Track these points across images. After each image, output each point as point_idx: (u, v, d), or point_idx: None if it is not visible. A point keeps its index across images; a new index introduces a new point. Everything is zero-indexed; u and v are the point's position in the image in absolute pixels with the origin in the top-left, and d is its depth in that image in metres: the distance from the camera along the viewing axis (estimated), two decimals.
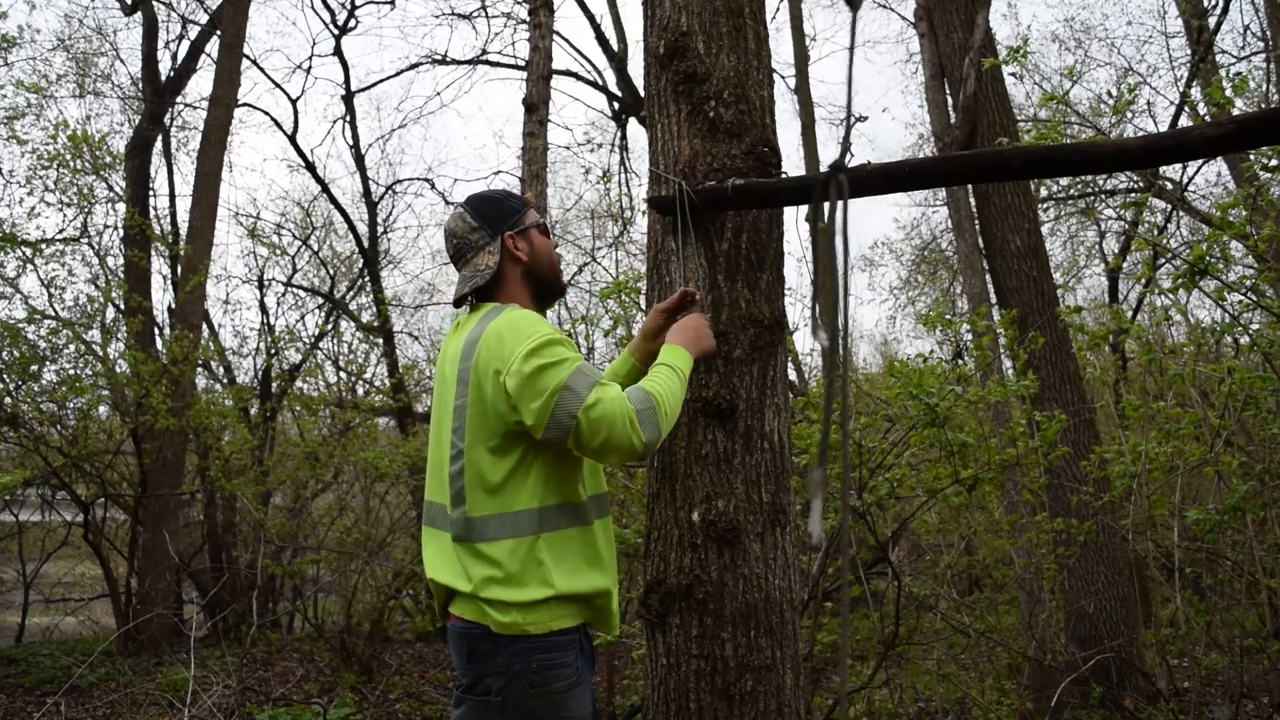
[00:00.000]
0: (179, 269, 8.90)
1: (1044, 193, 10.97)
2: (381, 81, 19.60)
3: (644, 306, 3.15)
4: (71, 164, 8.35)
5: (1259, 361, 4.40)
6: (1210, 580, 4.96)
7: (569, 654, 1.90)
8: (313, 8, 19.13)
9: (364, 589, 6.88)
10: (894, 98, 39.43)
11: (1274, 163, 3.72)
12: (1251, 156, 3.98)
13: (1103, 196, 11.01)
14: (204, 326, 9.77)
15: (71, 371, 7.55)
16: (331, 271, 12.65)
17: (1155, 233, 8.45)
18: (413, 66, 12.75)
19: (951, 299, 13.40)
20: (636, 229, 11.97)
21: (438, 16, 25.02)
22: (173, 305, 9.19)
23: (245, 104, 11.62)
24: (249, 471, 7.95)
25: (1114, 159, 1.90)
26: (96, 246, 9.57)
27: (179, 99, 11.39)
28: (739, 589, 2.13)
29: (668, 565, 2.18)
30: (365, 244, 11.91)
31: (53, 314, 7.84)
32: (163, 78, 10.67)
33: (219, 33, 9.65)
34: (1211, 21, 10.11)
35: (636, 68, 12.04)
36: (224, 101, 8.88)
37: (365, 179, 12.28)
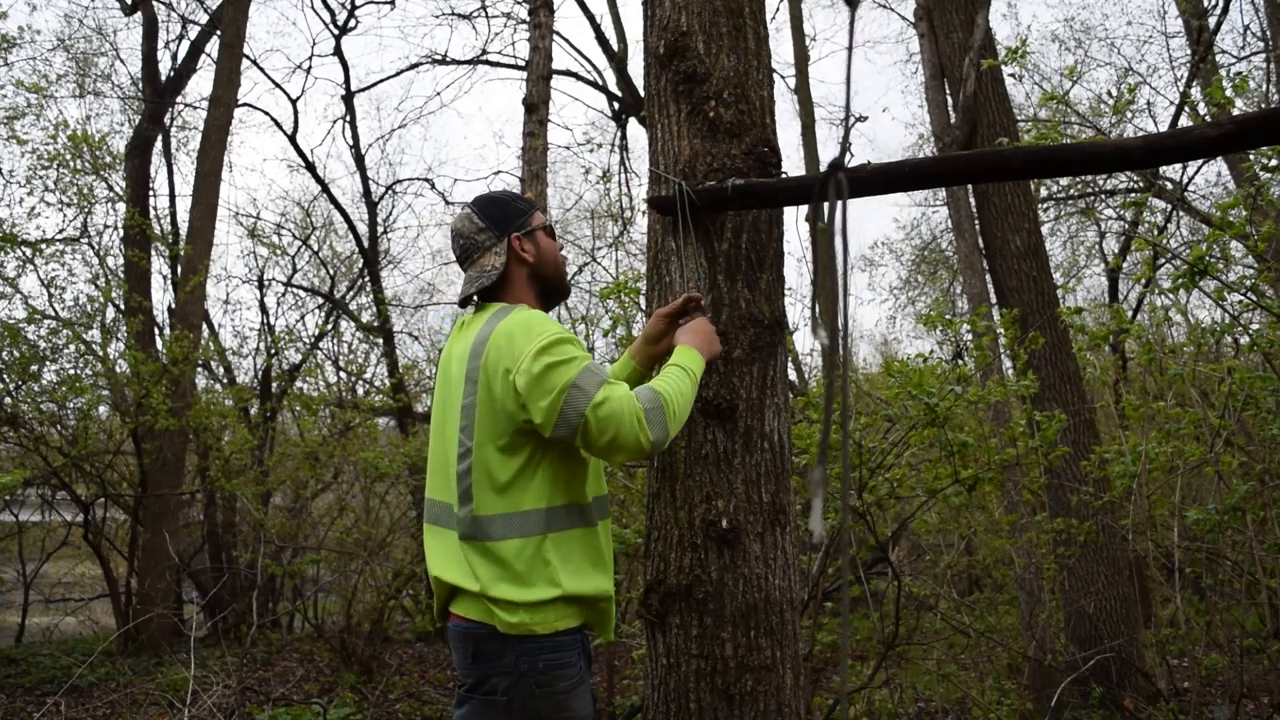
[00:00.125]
0: (179, 269, 8.90)
1: (1044, 193, 10.97)
2: (381, 81, 19.63)
3: (644, 306, 3.15)
4: (71, 164, 8.35)
5: (1259, 361, 4.40)
6: (1210, 580, 4.96)
7: (572, 654, 1.91)
8: (313, 8, 19.15)
9: (364, 589, 6.88)
10: (894, 98, 39.48)
11: (1274, 163, 3.72)
12: (1251, 156, 3.98)
13: (1103, 196, 11.01)
14: (204, 326, 9.78)
15: (71, 371, 7.55)
16: (331, 271, 12.66)
17: (1155, 233, 8.46)
18: (413, 66, 12.76)
19: (951, 299, 13.40)
20: (636, 229, 11.98)
21: (438, 16, 25.05)
22: (173, 305, 9.20)
23: (245, 104, 11.64)
24: (249, 471, 7.95)
25: (1114, 159, 1.90)
26: (96, 246, 9.58)
27: (179, 99, 11.41)
28: (739, 589, 2.13)
29: (668, 565, 2.18)
30: (365, 244, 11.91)
31: (53, 314, 7.84)
32: (163, 78, 10.67)
33: (219, 33, 9.65)
34: (1211, 21, 10.11)
35: (636, 68, 12.05)
36: (224, 101, 8.88)
37: (365, 179, 12.29)
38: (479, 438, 1.91)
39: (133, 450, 7.77)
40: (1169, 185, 10.04)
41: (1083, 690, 4.72)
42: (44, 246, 8.14)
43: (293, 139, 12.02)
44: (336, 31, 12.27)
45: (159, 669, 6.55)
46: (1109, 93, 11.91)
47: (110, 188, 9.64)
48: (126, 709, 5.47)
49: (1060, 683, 4.24)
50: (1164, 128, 10.48)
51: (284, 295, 12.35)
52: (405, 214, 42.84)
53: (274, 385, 9.81)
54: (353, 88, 12.36)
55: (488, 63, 12.58)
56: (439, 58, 12.53)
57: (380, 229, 12.45)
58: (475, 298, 2.12)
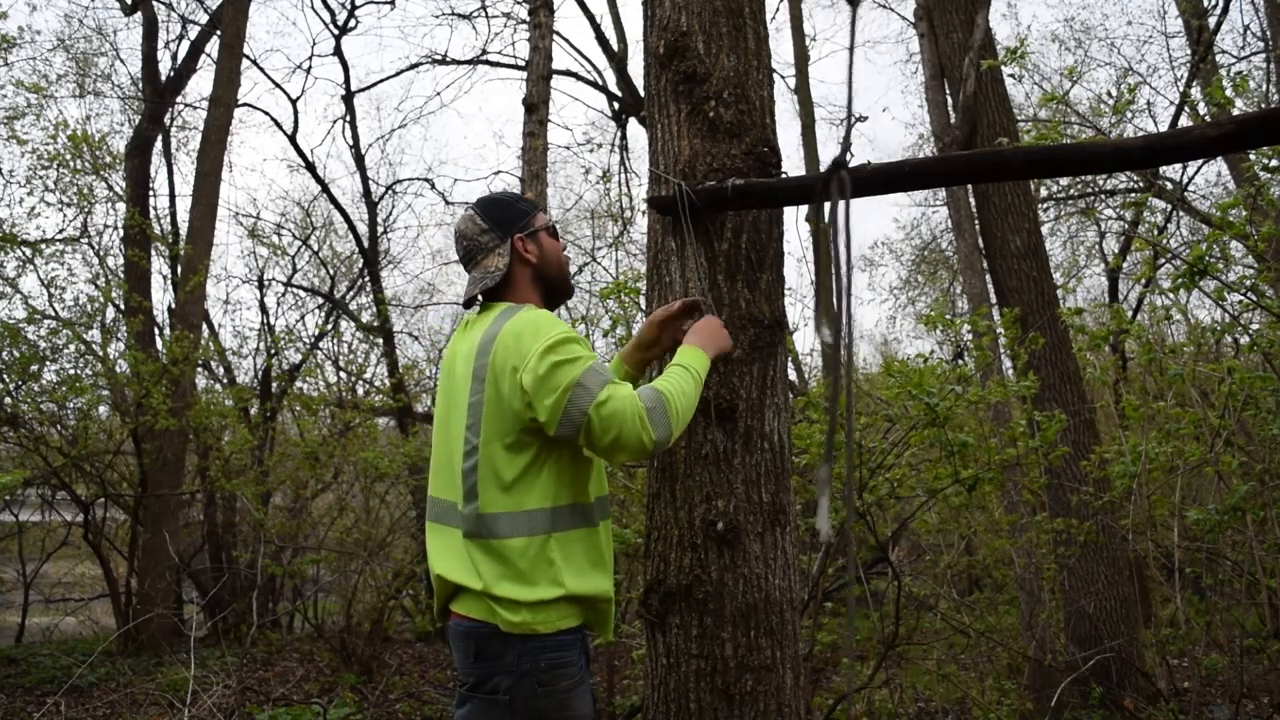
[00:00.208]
0: (179, 269, 8.90)
1: (1044, 193, 10.97)
2: (381, 81, 19.63)
3: (644, 306, 3.15)
4: (71, 164, 8.35)
5: (1259, 361, 4.40)
6: (1210, 580, 4.96)
7: (574, 653, 1.92)
8: (313, 8, 19.15)
9: (364, 589, 6.88)
10: (894, 98, 39.50)
11: (1274, 163, 3.72)
12: (1251, 156, 3.98)
13: (1103, 196, 11.01)
14: (204, 326, 9.77)
15: (71, 371, 7.55)
16: (331, 271, 12.65)
17: (1155, 233, 8.46)
18: (413, 66, 12.76)
19: (951, 299, 13.40)
20: (636, 229, 11.98)
21: (438, 16, 25.05)
22: (173, 305, 9.19)
23: (245, 104, 11.63)
24: (249, 471, 7.95)
25: (1114, 159, 1.90)
26: (96, 246, 9.59)
27: (179, 99, 11.40)
28: (739, 589, 2.13)
29: (668, 565, 2.19)
30: (365, 244, 11.91)
31: (53, 314, 7.84)
32: (163, 78, 10.66)
33: (219, 33, 9.65)
34: (1211, 21, 10.11)
35: (636, 68, 12.05)
36: (224, 101, 8.88)
37: (365, 179, 12.29)
38: (485, 435, 1.92)
39: (133, 450, 7.77)
40: (1169, 185, 10.04)
41: (1083, 690, 4.72)
42: (44, 246, 8.14)
43: (293, 139, 12.02)
44: (336, 31, 12.28)
45: (159, 669, 6.55)
46: (1109, 93, 11.91)
47: (110, 188, 9.65)
48: (126, 709, 5.47)
49: (1060, 683, 4.24)
50: (1164, 128, 10.48)
51: (284, 295, 12.36)
52: (405, 214, 42.86)
53: (274, 385, 9.81)
54: (353, 88, 12.37)
55: (488, 63, 12.59)
56: (439, 58, 12.54)
57: (380, 229, 12.46)
58: (480, 298, 2.13)
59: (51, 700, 5.56)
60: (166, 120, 11.04)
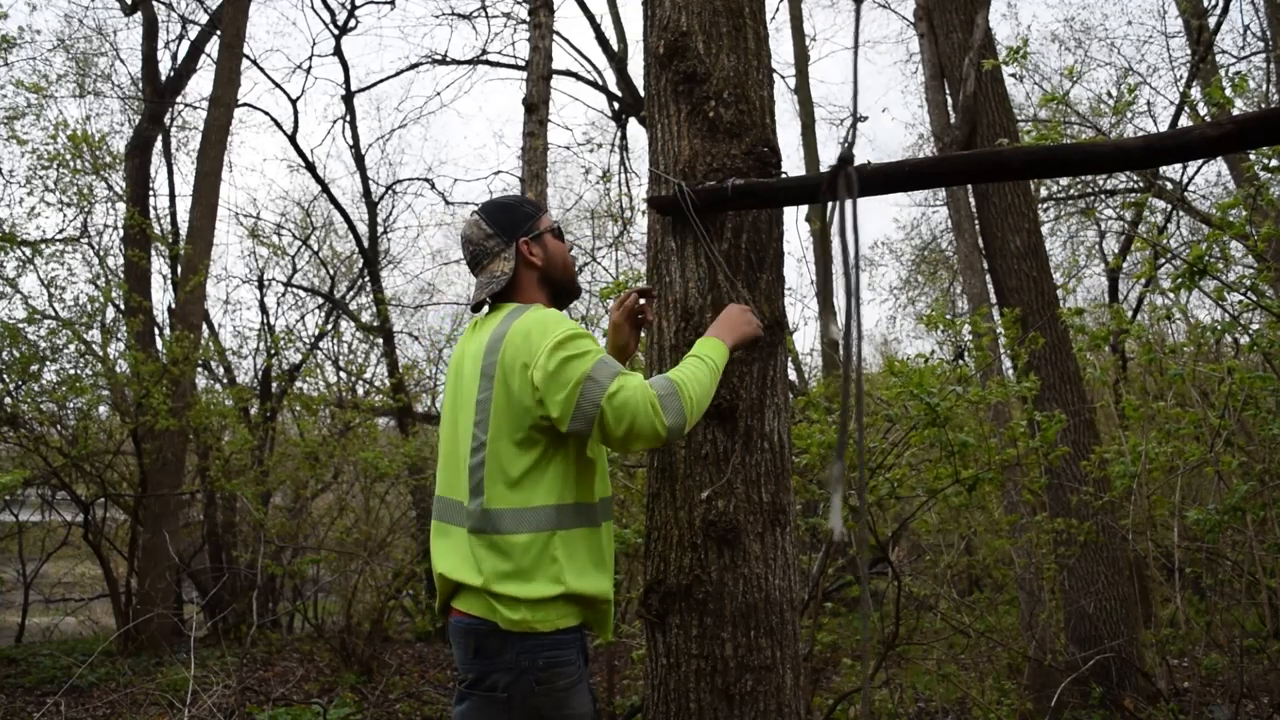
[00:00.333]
0: (179, 269, 8.90)
1: (1044, 193, 10.97)
2: (381, 81, 19.60)
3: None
4: (71, 164, 8.35)
5: (1259, 361, 4.40)
6: (1210, 580, 4.96)
7: (572, 651, 1.92)
8: (313, 8, 19.15)
9: (364, 589, 6.88)
10: (894, 98, 39.50)
11: (1274, 163, 3.72)
12: (1251, 156, 3.98)
13: (1103, 196, 11.01)
14: (204, 326, 9.77)
15: (71, 371, 7.56)
16: (331, 271, 12.65)
17: (1155, 233, 8.44)
18: (413, 66, 12.75)
19: (951, 299, 13.40)
20: (636, 229, 11.98)
21: (438, 16, 25.06)
22: (173, 305, 9.19)
23: (245, 104, 11.63)
24: (249, 471, 7.95)
25: (1114, 159, 1.90)
26: (96, 246, 9.58)
27: (179, 99, 11.40)
28: (739, 589, 2.13)
29: (668, 565, 2.19)
30: (365, 244, 11.91)
31: (53, 314, 7.84)
32: (163, 78, 10.66)
33: (219, 33, 9.65)
34: (1211, 21, 10.10)
35: (636, 68, 12.05)
36: (224, 101, 8.88)
37: (365, 179, 12.28)
38: (494, 432, 1.93)
39: (133, 450, 7.77)
40: (1169, 185, 10.04)
41: (1083, 690, 4.72)
42: (44, 246, 8.14)
43: (293, 139, 12.02)
44: (336, 31, 12.28)
45: (159, 669, 6.55)
46: (1109, 93, 11.91)
47: (110, 188, 9.64)
48: (126, 709, 5.47)
49: (1060, 683, 4.24)
50: (1164, 128, 10.48)
51: (284, 295, 12.35)
52: (405, 214, 42.84)
53: (274, 385, 9.80)
54: (353, 88, 12.37)
55: (488, 63, 12.58)
56: (439, 58, 12.53)
57: (380, 229, 12.46)
58: (488, 302, 2.15)
59: (51, 700, 5.56)
60: (166, 120, 11.04)
